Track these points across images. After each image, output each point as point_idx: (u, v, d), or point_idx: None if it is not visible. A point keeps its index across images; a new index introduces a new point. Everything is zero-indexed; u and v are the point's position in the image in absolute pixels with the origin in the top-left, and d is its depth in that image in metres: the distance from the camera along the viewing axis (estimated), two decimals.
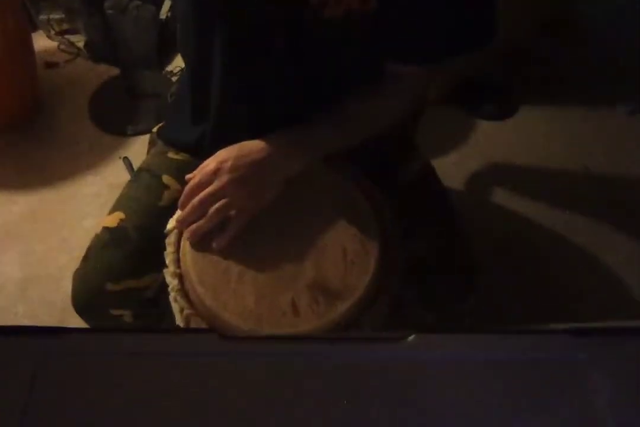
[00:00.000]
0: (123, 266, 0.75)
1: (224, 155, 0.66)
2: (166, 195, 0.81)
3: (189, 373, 0.45)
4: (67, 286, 1.35)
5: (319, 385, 0.45)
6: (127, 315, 0.78)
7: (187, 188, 0.66)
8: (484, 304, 1.20)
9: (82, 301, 0.78)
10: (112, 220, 0.80)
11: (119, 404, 0.43)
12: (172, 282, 0.66)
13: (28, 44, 1.66)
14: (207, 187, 0.65)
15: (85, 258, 0.79)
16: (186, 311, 0.64)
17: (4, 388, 0.43)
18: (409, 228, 0.75)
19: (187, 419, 0.43)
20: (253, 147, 0.67)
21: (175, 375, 0.45)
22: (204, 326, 0.63)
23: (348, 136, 0.74)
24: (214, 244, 0.65)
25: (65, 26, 2.02)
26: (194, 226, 0.65)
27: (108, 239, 0.78)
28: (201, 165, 0.67)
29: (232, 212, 0.65)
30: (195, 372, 0.45)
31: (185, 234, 0.65)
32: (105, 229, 0.80)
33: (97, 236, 0.80)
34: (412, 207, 0.81)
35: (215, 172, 0.65)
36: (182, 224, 0.66)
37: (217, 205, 0.64)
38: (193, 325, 0.64)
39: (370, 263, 0.65)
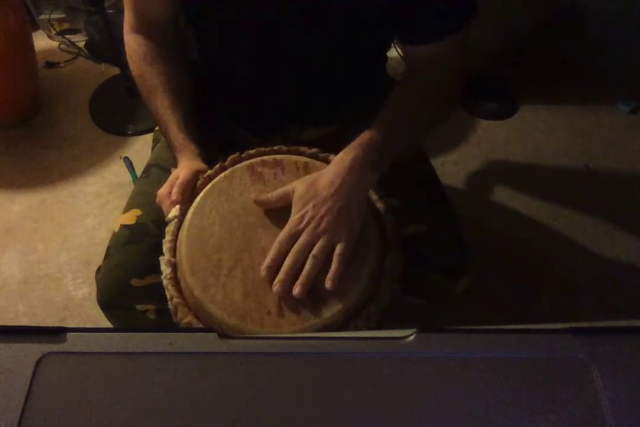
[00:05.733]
0: (147, 261, 0.75)
1: (301, 202, 0.66)
2: None
3: (188, 373, 0.45)
4: (67, 285, 1.38)
5: (319, 384, 0.45)
6: (151, 310, 0.79)
7: (277, 244, 0.64)
8: (483, 304, 1.21)
9: (109, 298, 0.78)
10: (129, 217, 0.81)
11: (119, 404, 0.43)
12: (165, 270, 0.67)
13: (29, 44, 1.66)
14: (297, 237, 0.65)
15: (107, 256, 0.80)
16: (175, 300, 0.65)
17: (4, 388, 0.43)
18: (399, 211, 0.75)
19: (187, 418, 0.43)
20: (324, 181, 0.67)
21: (174, 374, 0.45)
22: (190, 315, 0.64)
23: (403, 135, 0.74)
24: (329, 285, 0.62)
25: (65, 26, 2.02)
26: (301, 280, 0.62)
27: (128, 236, 0.79)
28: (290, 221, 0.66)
29: (336, 248, 0.65)
30: (195, 371, 0.45)
31: (297, 290, 0.61)
32: (124, 226, 0.80)
33: (115, 234, 0.81)
34: (401, 189, 0.81)
35: (300, 221, 0.65)
36: (287, 280, 0.62)
37: (315, 250, 0.64)
38: (180, 314, 0.64)
39: (364, 272, 0.65)
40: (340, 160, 0.69)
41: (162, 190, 0.72)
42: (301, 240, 0.64)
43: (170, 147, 0.79)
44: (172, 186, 0.71)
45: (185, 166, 0.73)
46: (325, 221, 0.65)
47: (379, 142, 0.70)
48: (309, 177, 0.69)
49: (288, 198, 0.67)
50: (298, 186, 0.67)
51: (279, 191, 0.68)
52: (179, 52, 0.84)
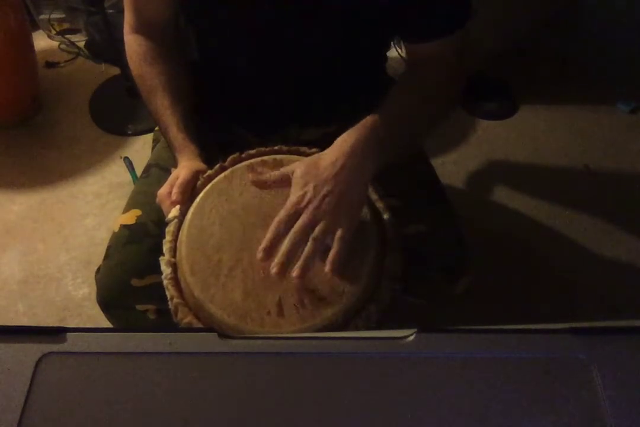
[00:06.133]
0: (146, 261, 0.75)
1: (302, 182, 0.64)
2: None
3: (188, 373, 0.45)
4: (67, 285, 1.38)
5: (319, 384, 0.45)
6: (151, 310, 0.79)
7: (275, 225, 0.62)
8: (483, 304, 1.21)
9: (109, 299, 0.78)
10: (129, 217, 0.81)
11: (119, 404, 0.43)
12: (165, 270, 0.67)
13: (29, 44, 1.66)
14: (296, 218, 0.63)
15: (107, 256, 0.80)
16: (175, 300, 0.65)
17: (4, 388, 0.43)
18: (398, 210, 0.75)
19: (187, 418, 0.43)
20: (325, 161, 0.66)
21: (174, 374, 0.45)
22: (190, 316, 0.64)
23: (402, 131, 0.73)
24: (328, 268, 0.60)
25: (65, 26, 2.02)
26: (301, 262, 0.61)
27: (128, 236, 0.79)
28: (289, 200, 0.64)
29: (336, 232, 0.63)
30: (195, 371, 0.45)
31: (295, 272, 0.60)
32: (124, 226, 0.80)
33: (115, 234, 0.80)
34: (401, 189, 0.81)
35: (300, 201, 0.63)
36: (285, 262, 0.61)
37: (316, 232, 0.62)
38: (180, 314, 0.64)
39: (363, 271, 0.64)
40: (343, 141, 0.67)
41: (162, 191, 0.72)
42: (301, 220, 0.62)
43: (170, 147, 0.79)
44: (172, 186, 0.71)
45: (185, 166, 0.73)
46: (326, 202, 0.63)
47: (379, 128, 0.69)
48: (309, 158, 0.67)
49: (287, 179, 0.66)
50: (298, 166, 0.66)
51: (279, 172, 0.67)
52: (179, 52, 0.84)
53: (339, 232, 0.62)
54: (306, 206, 0.63)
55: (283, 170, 0.67)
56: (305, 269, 0.60)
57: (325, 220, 0.62)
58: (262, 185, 0.67)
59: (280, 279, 0.63)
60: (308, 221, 0.62)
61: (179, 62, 0.83)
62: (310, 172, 0.65)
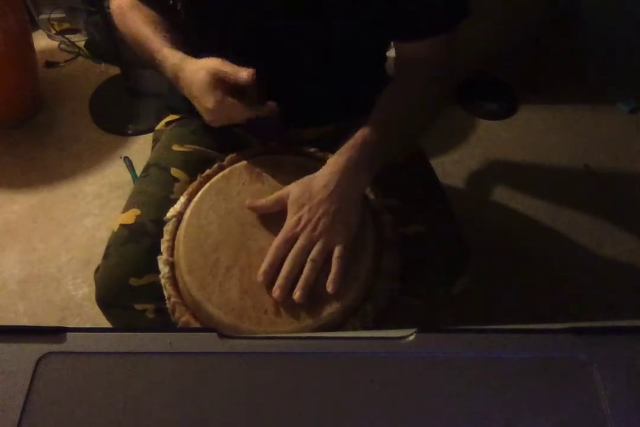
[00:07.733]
0: (145, 260, 0.75)
1: (296, 205, 0.66)
2: (177, 187, 0.81)
3: (188, 372, 0.45)
4: (67, 285, 1.38)
5: (319, 384, 0.45)
6: (149, 310, 0.79)
7: (273, 249, 0.64)
8: (483, 304, 1.21)
9: (108, 298, 0.78)
10: (128, 217, 0.81)
11: (119, 404, 0.43)
12: (163, 269, 0.67)
13: (29, 44, 1.66)
14: (294, 241, 0.65)
15: (106, 256, 0.79)
16: (172, 299, 0.65)
17: (4, 388, 0.43)
18: (398, 211, 0.75)
19: (186, 418, 0.43)
20: (319, 183, 0.67)
21: (174, 374, 0.45)
22: (188, 315, 0.64)
23: (395, 134, 0.74)
24: (330, 289, 0.62)
25: (65, 25, 2.02)
26: (301, 284, 0.63)
27: (127, 235, 0.79)
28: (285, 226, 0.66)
29: (334, 250, 0.65)
30: (195, 371, 0.45)
31: (297, 295, 0.62)
32: (123, 226, 0.80)
33: (114, 234, 0.80)
34: (400, 189, 0.81)
35: (296, 225, 0.65)
36: (287, 284, 0.63)
37: (313, 254, 0.64)
38: (178, 313, 0.65)
39: (360, 272, 0.65)
40: (335, 162, 0.69)
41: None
42: (298, 244, 0.64)
43: (168, 70, 0.74)
44: (215, 77, 0.67)
45: (202, 64, 0.70)
46: (321, 224, 0.65)
47: (372, 143, 0.70)
48: (303, 180, 0.69)
49: (283, 202, 0.68)
50: (293, 190, 0.67)
51: (273, 196, 0.68)
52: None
53: (336, 251, 0.64)
54: (302, 229, 0.65)
55: (278, 194, 0.68)
56: (305, 291, 0.62)
57: (322, 241, 0.64)
58: (258, 210, 0.69)
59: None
60: (306, 243, 0.64)
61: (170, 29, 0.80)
62: (305, 194, 0.67)
